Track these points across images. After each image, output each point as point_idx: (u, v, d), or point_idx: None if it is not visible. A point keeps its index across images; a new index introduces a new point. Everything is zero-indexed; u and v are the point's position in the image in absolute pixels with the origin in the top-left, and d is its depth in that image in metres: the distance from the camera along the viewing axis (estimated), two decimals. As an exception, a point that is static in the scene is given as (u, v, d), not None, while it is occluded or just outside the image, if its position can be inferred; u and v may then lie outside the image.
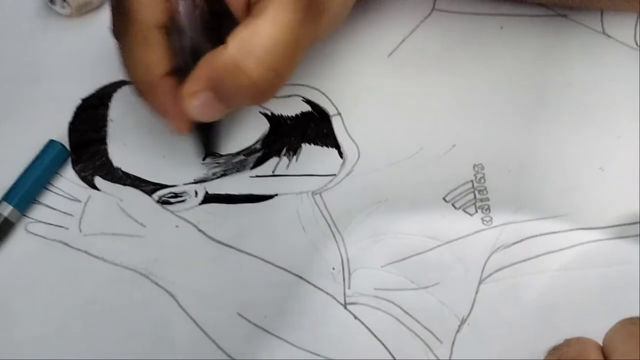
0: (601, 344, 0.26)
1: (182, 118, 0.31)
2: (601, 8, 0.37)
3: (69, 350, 0.30)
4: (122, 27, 0.30)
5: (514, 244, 0.32)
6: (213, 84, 0.29)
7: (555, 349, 0.27)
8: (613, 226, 0.32)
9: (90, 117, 0.35)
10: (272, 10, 0.28)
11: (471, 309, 0.30)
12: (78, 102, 0.35)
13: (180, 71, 0.30)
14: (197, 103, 0.30)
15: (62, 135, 0.35)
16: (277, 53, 0.28)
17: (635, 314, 0.26)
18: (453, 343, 0.30)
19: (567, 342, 0.27)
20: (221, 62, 0.28)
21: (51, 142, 0.33)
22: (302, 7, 0.28)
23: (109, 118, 0.35)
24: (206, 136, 0.34)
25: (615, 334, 0.26)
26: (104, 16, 0.38)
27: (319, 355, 0.30)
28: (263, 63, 0.28)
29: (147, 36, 0.30)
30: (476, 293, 0.31)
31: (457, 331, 0.30)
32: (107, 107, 0.35)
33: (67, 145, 0.34)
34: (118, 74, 0.34)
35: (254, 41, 0.28)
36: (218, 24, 0.31)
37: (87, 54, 0.37)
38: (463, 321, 0.30)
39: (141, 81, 0.31)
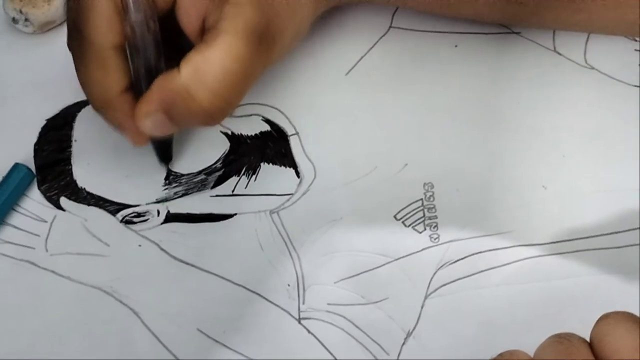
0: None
1: (138, 132, 0.33)
2: (556, 29, 0.40)
3: (38, 367, 0.33)
4: (78, 47, 0.32)
5: (458, 260, 0.35)
6: (165, 107, 0.31)
7: None
8: (552, 242, 0.35)
9: (55, 138, 0.37)
10: (224, 40, 0.30)
11: (417, 322, 0.33)
12: (42, 122, 0.38)
13: (136, 87, 0.33)
14: (150, 122, 0.32)
15: (27, 155, 0.37)
16: (228, 82, 0.30)
17: (569, 328, 0.29)
18: (399, 355, 0.33)
19: (500, 356, 0.29)
20: (173, 88, 0.31)
21: (17, 166, 0.36)
22: (254, 39, 0.31)
23: (73, 138, 0.37)
24: (162, 147, 0.36)
25: (544, 350, 0.28)
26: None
27: (275, 367, 0.33)
28: (213, 91, 0.30)
29: (103, 57, 0.32)
30: (422, 307, 0.34)
31: (403, 344, 0.33)
32: (71, 127, 0.38)
33: (32, 166, 0.36)
34: (81, 93, 0.37)
35: (205, 69, 0.30)
36: (173, 44, 0.33)
37: (51, 71, 0.39)
38: (409, 334, 0.33)
39: (98, 99, 0.33)
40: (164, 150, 0.36)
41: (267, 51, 0.32)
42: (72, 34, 0.32)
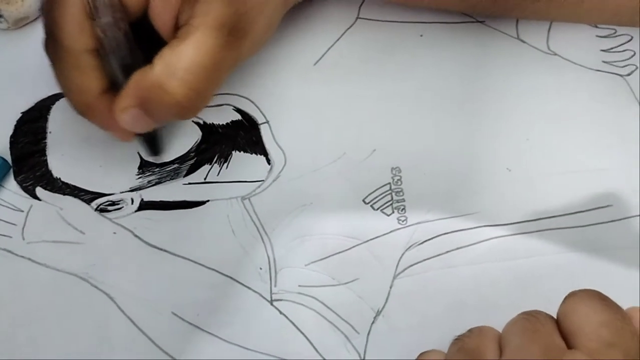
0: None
1: (122, 129, 0.35)
2: (517, 17, 0.41)
3: (16, 354, 0.34)
4: (54, 53, 0.33)
5: (426, 241, 0.36)
6: (141, 101, 0.33)
7: (458, 339, 0.30)
8: (517, 222, 0.37)
9: (30, 130, 0.39)
10: (195, 35, 0.32)
11: (386, 302, 0.35)
12: (18, 115, 0.39)
13: (115, 86, 0.34)
14: (128, 118, 0.33)
15: (4, 147, 0.38)
16: (199, 75, 0.32)
17: (535, 305, 0.30)
18: (369, 333, 0.34)
19: (469, 332, 0.30)
20: (147, 82, 0.32)
21: (-8, 157, 0.37)
22: (224, 33, 0.32)
23: (48, 130, 0.39)
24: (148, 141, 0.37)
25: (511, 327, 0.29)
26: (42, 28, 0.41)
27: (248, 348, 0.34)
28: (185, 84, 0.32)
29: (79, 61, 0.33)
30: (390, 287, 0.35)
31: (373, 322, 0.35)
32: (46, 119, 0.39)
33: (8, 158, 0.38)
34: (56, 86, 0.38)
35: (177, 63, 0.32)
36: (148, 42, 0.34)
37: (26, 66, 0.41)
38: (378, 313, 0.35)
39: (78, 102, 0.34)
40: (151, 144, 0.38)
41: (237, 44, 0.33)
42: (48, 40, 0.34)
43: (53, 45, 0.33)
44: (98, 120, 0.35)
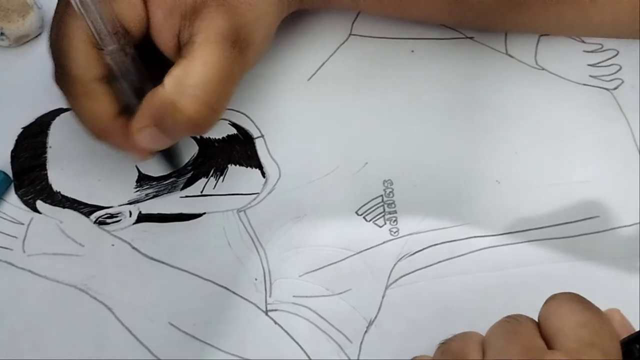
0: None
1: (140, 149, 0.35)
2: (504, 30, 0.43)
3: (16, 363, 0.35)
4: (64, 83, 0.34)
5: (417, 252, 0.37)
6: (155, 120, 0.33)
7: (443, 343, 0.31)
8: (506, 233, 0.38)
9: (31, 145, 0.40)
10: (200, 51, 0.33)
11: (378, 311, 0.36)
12: (19, 130, 0.40)
13: (128, 109, 0.35)
14: (145, 137, 0.34)
15: (5, 161, 0.39)
16: (208, 89, 0.33)
17: (523, 313, 0.31)
18: (361, 343, 0.35)
19: (454, 337, 0.31)
20: (159, 102, 0.33)
21: (-6, 172, 0.38)
22: (227, 46, 0.33)
23: (48, 145, 0.40)
24: (168, 156, 0.38)
25: (493, 329, 0.30)
26: (42, 46, 0.43)
27: (243, 358, 0.35)
28: (196, 100, 0.32)
29: (90, 90, 0.34)
30: (383, 297, 0.36)
31: (365, 332, 0.35)
32: (46, 134, 0.40)
33: (9, 172, 0.39)
34: (56, 102, 0.39)
35: (186, 80, 0.32)
36: (157, 63, 0.35)
37: (26, 82, 0.41)
38: (370, 323, 0.36)
39: (94, 128, 0.35)
40: (170, 158, 0.38)
41: (241, 55, 0.34)
42: (57, 71, 0.34)
43: (63, 77, 0.34)
44: (115, 142, 0.36)
